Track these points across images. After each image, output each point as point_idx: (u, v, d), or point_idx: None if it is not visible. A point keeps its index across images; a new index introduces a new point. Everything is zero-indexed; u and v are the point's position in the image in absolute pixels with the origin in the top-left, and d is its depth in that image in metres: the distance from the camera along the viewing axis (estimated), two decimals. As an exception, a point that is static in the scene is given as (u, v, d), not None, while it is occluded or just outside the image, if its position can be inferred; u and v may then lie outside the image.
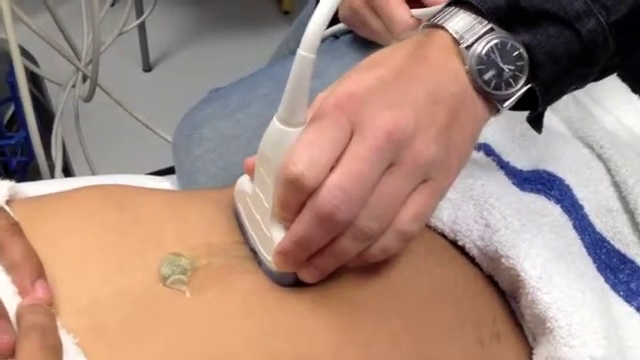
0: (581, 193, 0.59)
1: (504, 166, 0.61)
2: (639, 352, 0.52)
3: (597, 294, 0.53)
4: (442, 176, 0.45)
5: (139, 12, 1.83)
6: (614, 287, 0.56)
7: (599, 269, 0.56)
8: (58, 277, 0.44)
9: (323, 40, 0.99)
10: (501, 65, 0.46)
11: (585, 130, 0.64)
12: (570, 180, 0.60)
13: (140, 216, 0.50)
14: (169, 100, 1.79)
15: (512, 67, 0.46)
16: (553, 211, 0.56)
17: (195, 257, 0.48)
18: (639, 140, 0.67)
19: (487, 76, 0.46)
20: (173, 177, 0.96)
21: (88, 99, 1.19)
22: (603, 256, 0.57)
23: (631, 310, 0.55)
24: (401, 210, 0.43)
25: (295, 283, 0.47)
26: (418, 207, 0.44)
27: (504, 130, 0.66)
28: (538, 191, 0.58)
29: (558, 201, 0.57)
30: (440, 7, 0.48)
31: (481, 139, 0.64)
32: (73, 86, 1.20)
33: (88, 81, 1.15)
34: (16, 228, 0.45)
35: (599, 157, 0.63)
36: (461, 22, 0.47)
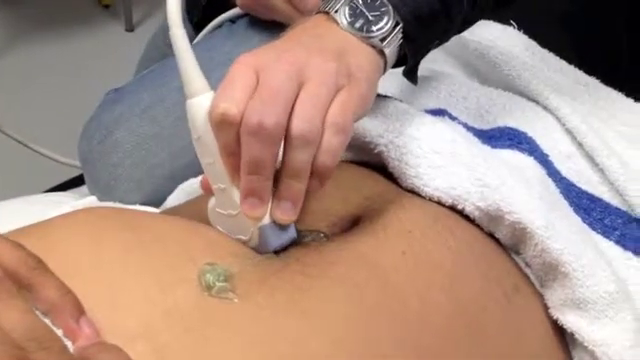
0: (542, 143, 0.63)
1: (468, 128, 0.63)
2: (631, 283, 0.56)
3: (585, 235, 0.57)
4: (354, 83, 0.50)
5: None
6: (591, 226, 0.60)
7: (575, 212, 0.60)
8: (95, 309, 0.40)
9: (220, 25, 0.96)
10: (367, 14, 0.53)
11: (526, 85, 0.68)
12: (531, 132, 0.63)
13: (156, 235, 0.47)
14: None
15: (377, 13, 0.53)
16: (529, 163, 0.59)
17: (229, 265, 0.46)
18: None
19: (358, 24, 0.53)
20: (81, 190, 0.89)
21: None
22: (574, 199, 0.61)
23: (611, 244, 0.59)
24: (328, 109, 0.48)
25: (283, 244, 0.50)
26: (342, 101, 0.49)
27: (450, 98, 0.68)
28: (510, 146, 0.60)
29: (530, 153, 0.60)
30: None
31: (437, 106, 0.66)
32: None
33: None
34: (43, 265, 0.40)
35: (545, 108, 0.67)
36: (335, 3, 0.53)
